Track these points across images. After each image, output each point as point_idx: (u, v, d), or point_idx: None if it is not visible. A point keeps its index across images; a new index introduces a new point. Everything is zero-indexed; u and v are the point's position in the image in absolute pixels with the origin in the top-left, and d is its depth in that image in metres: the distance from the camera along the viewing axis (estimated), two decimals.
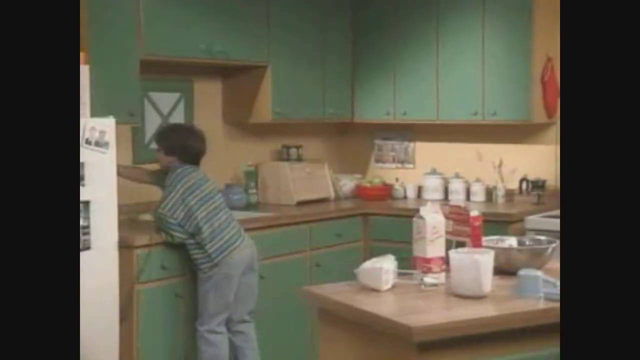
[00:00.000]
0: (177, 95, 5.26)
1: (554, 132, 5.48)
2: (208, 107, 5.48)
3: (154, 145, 4.60)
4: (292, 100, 5.53)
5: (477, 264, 2.71)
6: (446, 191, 5.81)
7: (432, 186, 5.85)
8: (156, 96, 5.12)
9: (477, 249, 2.92)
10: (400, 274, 2.92)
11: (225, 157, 5.54)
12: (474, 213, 3.08)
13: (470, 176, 5.76)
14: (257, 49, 5.28)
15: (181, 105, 5.29)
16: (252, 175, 5.58)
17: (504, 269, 3.00)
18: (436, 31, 5.62)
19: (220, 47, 4.98)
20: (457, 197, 5.66)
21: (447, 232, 3.02)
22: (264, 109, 5.41)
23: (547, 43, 5.31)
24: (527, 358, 2.58)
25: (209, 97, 5.50)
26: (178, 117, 5.25)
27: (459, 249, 2.90)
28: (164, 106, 5.17)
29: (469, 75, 5.46)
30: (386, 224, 5.50)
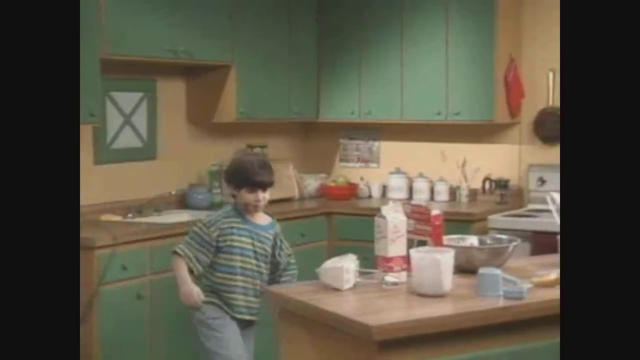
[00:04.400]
0: (139, 94, 5.22)
1: (517, 132, 5.53)
2: (172, 106, 5.44)
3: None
4: (256, 100, 5.52)
5: (437, 263, 2.72)
6: (410, 190, 5.83)
7: (397, 185, 5.86)
8: (118, 96, 5.06)
9: (437, 248, 2.93)
10: (361, 273, 2.92)
11: (189, 157, 5.51)
12: (435, 212, 3.10)
13: (435, 175, 5.78)
14: (222, 48, 5.26)
15: (144, 105, 5.24)
16: (216, 175, 5.56)
17: (465, 268, 3.02)
18: (400, 32, 5.63)
19: (184, 46, 4.95)
20: (421, 197, 5.68)
21: (409, 231, 3.03)
22: (229, 108, 5.39)
23: (510, 43, 5.36)
24: (487, 356, 2.60)
25: (173, 96, 5.46)
26: (140, 117, 5.21)
27: (420, 248, 2.91)
28: (126, 106, 5.12)
29: (432, 75, 5.49)
30: (350, 224, 5.51)
